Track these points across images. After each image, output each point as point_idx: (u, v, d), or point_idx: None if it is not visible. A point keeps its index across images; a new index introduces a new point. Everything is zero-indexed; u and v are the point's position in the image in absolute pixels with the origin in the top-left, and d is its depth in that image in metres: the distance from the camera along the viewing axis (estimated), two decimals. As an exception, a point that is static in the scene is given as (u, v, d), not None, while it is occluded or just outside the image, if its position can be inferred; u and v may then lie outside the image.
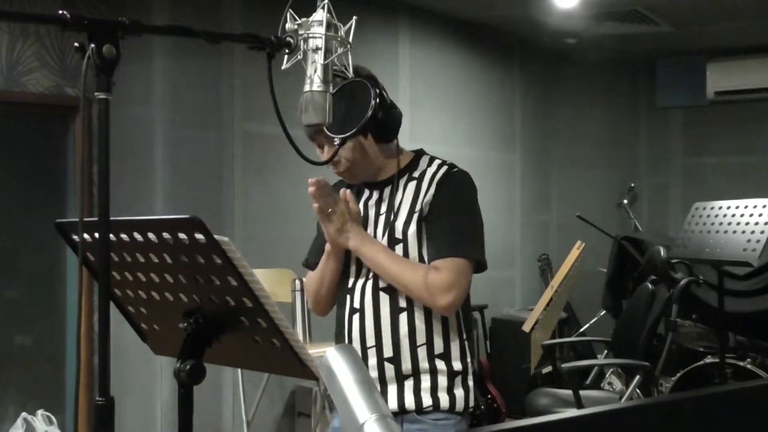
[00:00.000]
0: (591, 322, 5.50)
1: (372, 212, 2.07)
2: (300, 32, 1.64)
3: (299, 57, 1.64)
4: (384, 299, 2.00)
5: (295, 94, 1.65)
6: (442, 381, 1.99)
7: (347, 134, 1.76)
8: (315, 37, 1.63)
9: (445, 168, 2.04)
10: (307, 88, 1.65)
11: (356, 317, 2.03)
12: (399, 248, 2.00)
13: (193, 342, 1.35)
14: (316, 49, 1.62)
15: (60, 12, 1.25)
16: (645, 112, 6.75)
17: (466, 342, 2.04)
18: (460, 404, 2.01)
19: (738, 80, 6.06)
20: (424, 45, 5.16)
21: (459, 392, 2.01)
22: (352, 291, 2.06)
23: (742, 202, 3.32)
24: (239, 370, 3.87)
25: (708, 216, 3.40)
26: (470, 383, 2.04)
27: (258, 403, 3.99)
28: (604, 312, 5.31)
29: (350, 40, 1.68)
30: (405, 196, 2.04)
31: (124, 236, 1.33)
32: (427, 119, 5.05)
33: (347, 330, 2.06)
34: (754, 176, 6.11)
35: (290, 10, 1.64)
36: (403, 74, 4.99)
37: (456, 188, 2.02)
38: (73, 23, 1.25)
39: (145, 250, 1.33)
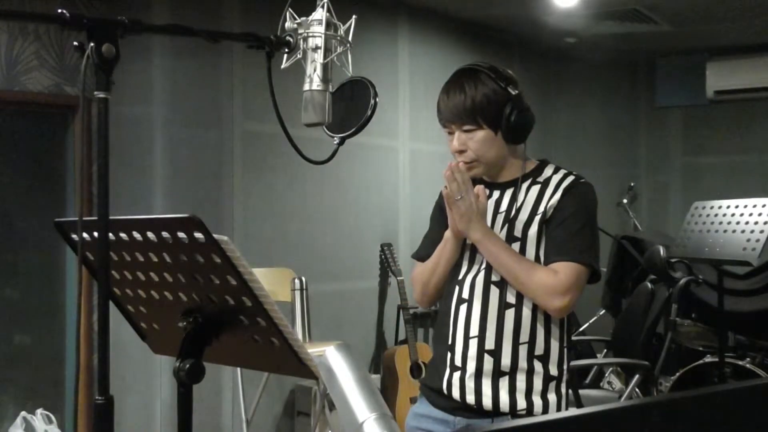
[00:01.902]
0: (590, 321, 5.50)
1: (491, 210, 2.09)
2: (299, 31, 1.64)
3: (299, 56, 1.64)
4: (494, 292, 2.03)
5: (294, 93, 1.65)
6: (537, 384, 2.01)
7: (346, 134, 1.76)
8: (314, 36, 1.63)
9: (572, 177, 2.08)
10: (306, 87, 1.65)
11: (463, 307, 2.06)
12: (516, 246, 2.03)
13: (192, 341, 1.35)
14: (316, 48, 1.62)
15: (59, 11, 1.25)
16: (644, 111, 6.75)
17: (565, 349, 2.07)
18: (552, 410, 2.03)
19: (738, 79, 6.06)
20: (424, 44, 5.16)
21: (552, 398, 2.03)
22: (462, 282, 2.08)
23: (741, 202, 3.32)
24: (239, 369, 3.86)
25: (708, 215, 3.40)
26: (563, 390, 2.06)
27: (257, 402, 3.99)
28: (603, 311, 5.31)
29: (350, 39, 1.68)
30: (528, 198, 2.07)
31: (123, 235, 1.33)
32: (427, 118, 5.04)
33: (452, 318, 2.08)
34: (754, 175, 6.11)
35: (290, 9, 1.64)
36: (402, 73, 4.99)
37: (583, 197, 2.05)
38: (72, 22, 1.25)
39: (145, 249, 1.33)
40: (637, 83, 6.74)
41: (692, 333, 4.46)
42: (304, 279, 3.95)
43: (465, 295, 2.07)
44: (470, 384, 2.02)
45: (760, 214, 3.21)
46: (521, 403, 2.00)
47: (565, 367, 2.06)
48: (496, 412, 2.00)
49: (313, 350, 1.34)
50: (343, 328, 4.57)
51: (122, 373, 3.74)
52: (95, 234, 1.30)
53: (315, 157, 1.72)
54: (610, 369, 4.88)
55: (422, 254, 2.24)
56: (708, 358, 4.15)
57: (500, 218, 2.08)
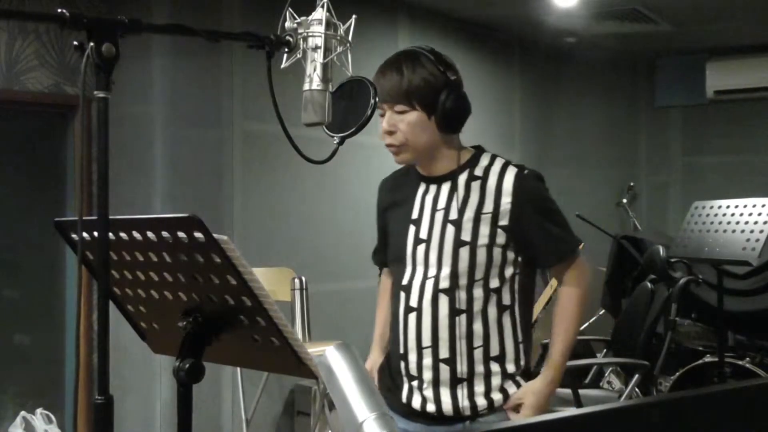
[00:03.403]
0: (590, 321, 5.50)
1: (428, 207, 2.03)
2: (299, 31, 1.64)
3: (298, 56, 1.63)
4: (443, 300, 1.97)
5: (294, 92, 1.65)
6: (496, 383, 1.99)
7: (346, 133, 1.75)
8: (314, 36, 1.63)
9: (514, 170, 2.00)
10: (306, 87, 1.65)
11: (413, 316, 2.01)
12: (465, 250, 1.96)
13: (192, 341, 1.35)
14: (316, 48, 1.62)
15: (59, 10, 1.25)
16: (644, 111, 6.75)
17: (521, 344, 2.03)
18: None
19: (737, 79, 6.06)
20: (424, 44, 5.15)
21: (512, 389, 2.00)
22: (408, 288, 2.03)
23: (741, 201, 3.32)
24: (238, 368, 3.86)
25: (707, 215, 3.40)
26: (522, 383, 2.02)
27: (257, 402, 3.99)
28: (603, 311, 5.31)
29: (350, 38, 1.68)
30: (471, 197, 1.99)
31: (123, 235, 1.33)
32: (427, 118, 5.04)
33: (402, 327, 2.03)
34: (754, 175, 6.11)
35: (290, 8, 1.64)
36: (402, 73, 4.98)
37: (537, 191, 2.01)
38: (72, 22, 1.25)
39: (144, 249, 1.32)
40: (637, 83, 6.74)
41: (692, 333, 4.46)
42: (304, 279, 3.95)
43: (413, 303, 2.01)
44: (428, 393, 1.99)
45: (759, 214, 3.21)
46: (481, 404, 1.98)
47: (522, 361, 2.03)
48: (457, 417, 1.98)
49: (313, 350, 1.34)
50: (343, 328, 4.57)
51: (122, 373, 3.74)
52: (95, 234, 1.30)
53: (315, 157, 1.72)
54: (610, 369, 4.88)
55: (384, 260, 2.26)
56: (708, 358, 4.15)
57: (440, 215, 2.00)
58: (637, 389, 3.69)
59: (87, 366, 3.83)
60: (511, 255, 1.98)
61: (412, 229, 2.04)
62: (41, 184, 4.05)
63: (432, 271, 1.99)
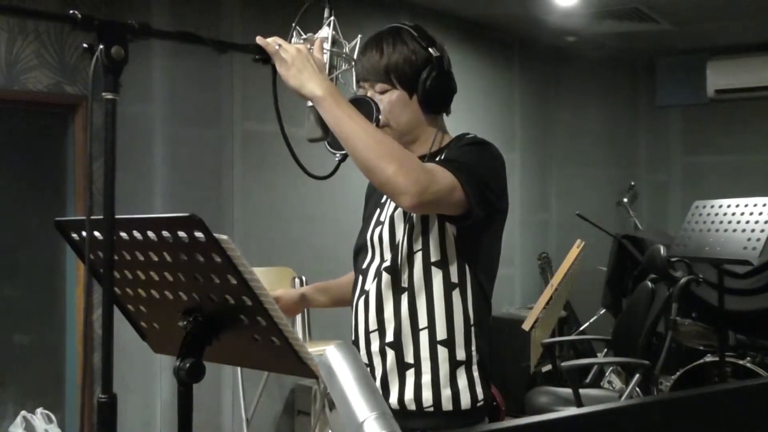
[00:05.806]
0: (591, 320, 5.51)
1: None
2: (307, 47, 1.65)
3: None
4: (385, 278, 1.85)
5: (295, 98, 1.65)
6: (444, 372, 1.84)
7: (346, 150, 1.74)
8: (320, 53, 1.65)
9: (472, 135, 1.92)
10: (310, 103, 1.65)
11: (362, 299, 1.91)
12: (402, 218, 1.86)
13: (192, 340, 1.35)
14: (321, 65, 1.64)
15: (70, 12, 1.26)
16: (645, 110, 6.75)
17: (473, 328, 1.86)
18: (465, 400, 1.85)
19: (738, 79, 6.07)
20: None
21: (462, 383, 1.84)
22: (366, 272, 1.92)
23: (742, 201, 3.32)
24: (239, 368, 3.87)
25: (708, 214, 3.40)
26: (475, 374, 1.86)
27: (257, 402, 4.00)
28: (603, 310, 5.32)
29: (355, 56, 1.69)
30: None
31: (123, 234, 1.33)
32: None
33: (354, 312, 1.93)
34: (754, 175, 6.11)
35: (297, 27, 1.65)
36: (402, 73, 4.98)
37: (476, 142, 1.87)
38: (82, 23, 1.26)
39: (145, 249, 1.32)
40: (638, 82, 6.75)
41: (693, 332, 4.46)
42: (304, 278, 3.96)
43: (366, 286, 1.90)
44: (378, 382, 1.88)
45: (760, 213, 3.21)
46: (427, 398, 1.84)
47: (473, 348, 1.86)
48: (403, 410, 1.85)
49: (313, 349, 1.33)
50: (343, 328, 4.57)
51: (122, 373, 3.74)
52: (95, 233, 1.30)
53: (317, 160, 1.73)
54: (611, 368, 4.89)
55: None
56: (708, 358, 4.15)
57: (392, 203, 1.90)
58: (637, 389, 3.69)
59: (88, 365, 3.82)
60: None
61: (377, 212, 1.97)
62: (41, 184, 4.05)
63: (380, 251, 1.89)
